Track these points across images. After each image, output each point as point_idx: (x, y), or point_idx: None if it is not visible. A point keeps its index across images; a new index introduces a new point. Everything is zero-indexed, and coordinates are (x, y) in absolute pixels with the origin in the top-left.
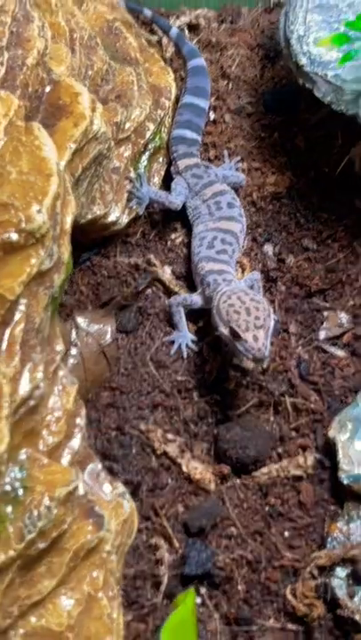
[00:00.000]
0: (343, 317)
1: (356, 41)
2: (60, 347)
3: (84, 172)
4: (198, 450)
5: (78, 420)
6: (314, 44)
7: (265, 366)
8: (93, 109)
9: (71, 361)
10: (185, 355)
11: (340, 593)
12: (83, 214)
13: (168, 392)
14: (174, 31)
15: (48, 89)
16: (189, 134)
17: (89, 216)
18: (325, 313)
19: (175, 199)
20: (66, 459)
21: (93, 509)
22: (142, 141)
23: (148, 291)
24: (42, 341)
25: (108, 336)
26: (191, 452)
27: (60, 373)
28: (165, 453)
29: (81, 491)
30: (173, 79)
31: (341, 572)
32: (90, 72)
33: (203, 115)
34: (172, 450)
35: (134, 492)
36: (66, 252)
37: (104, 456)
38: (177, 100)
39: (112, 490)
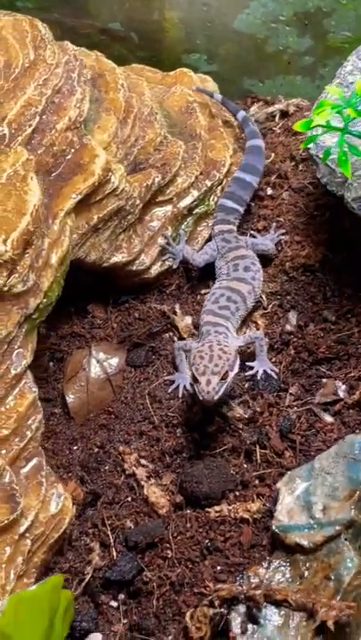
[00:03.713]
0: (341, 387)
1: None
2: (26, 360)
3: (103, 222)
4: (167, 479)
5: (30, 422)
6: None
7: (209, 408)
8: (108, 170)
9: (78, 383)
10: (180, 394)
11: (234, 625)
12: (105, 259)
13: (156, 424)
14: (241, 114)
15: (75, 149)
16: (230, 204)
17: (111, 261)
18: (324, 380)
19: (198, 258)
20: (10, 452)
21: (14, 496)
22: (183, 205)
23: (166, 335)
24: (5, 352)
25: (115, 367)
26: (159, 480)
27: (23, 381)
28: (134, 475)
29: (6, 478)
30: (230, 155)
31: (242, 608)
32: (140, 141)
33: (248, 188)
34: (140, 473)
35: (93, 501)
36: (47, 282)
37: (81, 466)
38: (230, 173)
39: (48, 489)
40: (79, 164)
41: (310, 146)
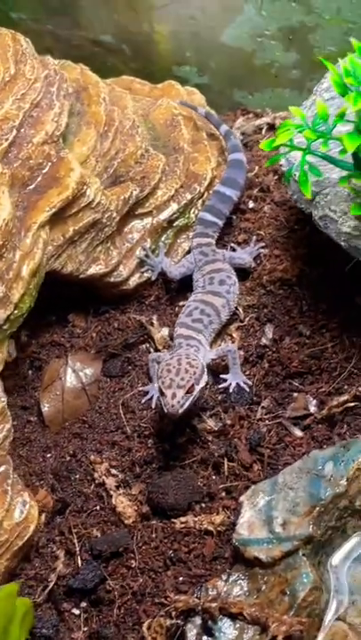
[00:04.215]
0: (311, 401)
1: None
2: None
3: (79, 235)
4: (136, 490)
5: None
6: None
7: (175, 420)
8: (83, 183)
9: (54, 392)
10: (153, 405)
11: (189, 637)
12: (81, 270)
13: (128, 434)
14: (223, 128)
15: (52, 163)
16: (209, 217)
17: (88, 272)
18: (295, 394)
19: (174, 270)
20: None
21: None
22: (163, 218)
23: (143, 346)
24: None
25: (91, 377)
26: (128, 489)
27: None
28: (103, 484)
29: None
30: (213, 168)
31: (198, 620)
32: (121, 154)
33: (228, 202)
34: (110, 483)
35: (62, 509)
36: (17, 293)
37: (53, 474)
38: (213, 186)
39: (14, 497)
40: (55, 177)
41: (282, 162)
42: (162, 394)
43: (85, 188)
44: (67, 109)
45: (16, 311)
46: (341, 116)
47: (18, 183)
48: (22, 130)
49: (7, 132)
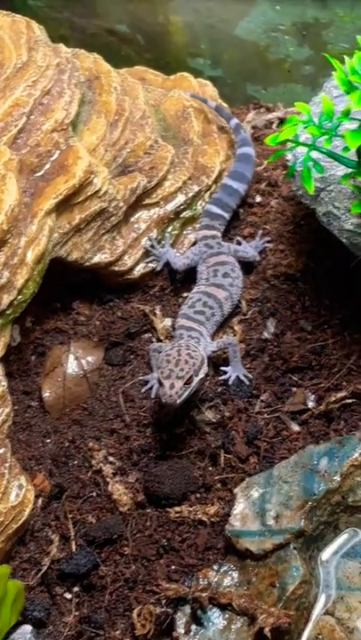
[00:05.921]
0: (310, 396)
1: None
2: None
3: (85, 223)
4: (133, 478)
5: None
6: None
7: (170, 415)
8: (90, 172)
9: (56, 378)
10: (153, 395)
11: (178, 625)
12: (86, 258)
13: (127, 423)
14: (233, 122)
15: (61, 150)
16: (215, 209)
17: (93, 260)
18: (294, 389)
19: (179, 261)
20: None
21: None
22: (170, 209)
23: (145, 335)
24: None
25: (92, 364)
26: (125, 477)
27: None
28: (100, 471)
29: None
30: (222, 161)
31: (188, 609)
32: (130, 144)
33: (235, 195)
34: (107, 470)
35: (59, 494)
36: (21, 279)
37: (52, 459)
38: (221, 179)
39: (10, 480)
40: (63, 165)
41: (289, 157)
42: (160, 384)
43: (93, 176)
44: (77, 98)
45: (20, 296)
46: (346, 114)
47: (26, 170)
48: (32, 117)
49: (17, 119)
